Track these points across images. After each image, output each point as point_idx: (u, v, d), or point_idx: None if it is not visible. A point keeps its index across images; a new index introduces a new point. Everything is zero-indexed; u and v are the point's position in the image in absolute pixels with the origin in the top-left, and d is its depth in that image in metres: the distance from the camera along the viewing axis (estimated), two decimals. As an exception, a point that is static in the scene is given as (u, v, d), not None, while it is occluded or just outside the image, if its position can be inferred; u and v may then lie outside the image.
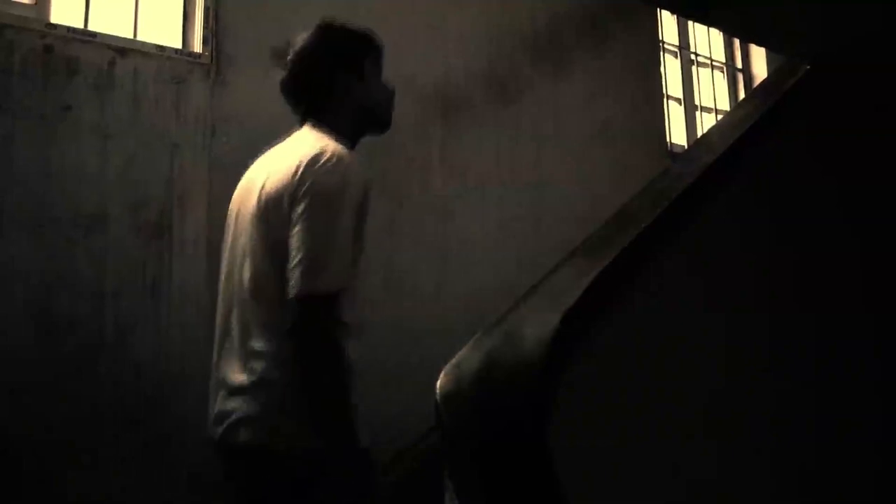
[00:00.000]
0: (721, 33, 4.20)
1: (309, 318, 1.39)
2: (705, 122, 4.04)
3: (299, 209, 1.43)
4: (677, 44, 4.04)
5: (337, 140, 1.54)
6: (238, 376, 1.49)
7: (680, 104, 3.97)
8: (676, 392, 1.07)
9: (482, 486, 0.78)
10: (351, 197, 1.46)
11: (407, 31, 2.69)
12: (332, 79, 1.65)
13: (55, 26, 1.99)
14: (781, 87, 1.37)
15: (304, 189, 1.44)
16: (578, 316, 0.86)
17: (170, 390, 2.03)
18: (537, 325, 0.83)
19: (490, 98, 2.93)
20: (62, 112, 1.96)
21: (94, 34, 2.05)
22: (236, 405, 1.48)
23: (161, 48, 2.16)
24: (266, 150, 2.30)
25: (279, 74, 2.27)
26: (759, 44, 3.42)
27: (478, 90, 2.89)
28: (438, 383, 0.80)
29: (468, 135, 2.83)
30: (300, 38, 1.71)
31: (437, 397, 0.79)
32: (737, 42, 4.37)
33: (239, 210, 1.62)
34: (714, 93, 4.20)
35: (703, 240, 1.17)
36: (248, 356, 1.48)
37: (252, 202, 1.55)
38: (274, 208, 1.48)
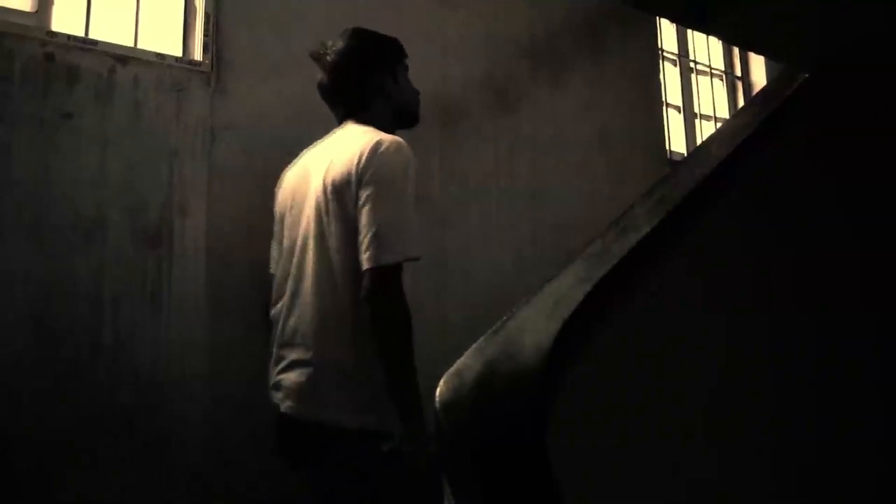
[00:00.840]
0: (720, 41, 4.21)
1: (384, 286, 1.55)
2: (705, 130, 4.05)
3: (368, 191, 1.60)
4: (676, 52, 4.05)
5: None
6: (311, 349, 1.62)
7: (679, 112, 3.98)
8: (677, 395, 1.07)
9: (481, 494, 0.78)
10: (411, 178, 1.65)
11: (405, 39, 2.69)
12: (371, 80, 1.86)
13: (56, 34, 2.00)
14: (781, 95, 1.37)
15: (370, 173, 1.62)
16: (578, 324, 0.86)
17: (168, 394, 2.04)
18: (537, 333, 0.83)
19: (488, 105, 2.93)
20: (62, 119, 1.97)
21: (94, 42, 2.06)
22: (314, 377, 1.61)
23: (161, 56, 2.17)
24: (266, 156, 2.31)
25: (278, 83, 2.30)
26: (758, 52, 3.43)
27: (476, 98, 2.90)
28: (438, 391, 0.80)
29: (467, 142, 2.83)
30: (334, 43, 1.88)
31: (437, 405, 0.79)
32: (736, 50, 4.39)
33: (293, 198, 1.81)
34: (713, 101, 4.21)
35: (703, 247, 1.17)
36: (318, 331, 1.62)
37: (312, 190, 1.73)
38: (340, 192, 1.64)
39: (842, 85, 1.42)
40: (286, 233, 1.81)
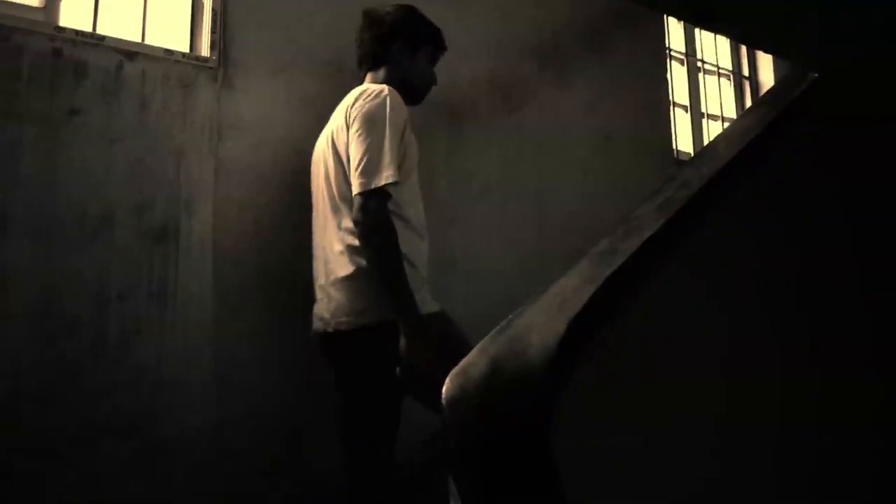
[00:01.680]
0: (728, 40, 4.20)
1: (368, 209, 1.80)
2: (712, 130, 4.04)
3: (353, 129, 1.88)
4: (684, 51, 4.04)
5: None
6: (329, 273, 1.93)
7: (686, 112, 3.97)
8: (682, 394, 1.06)
9: (486, 492, 0.78)
10: (391, 117, 1.87)
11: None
12: (392, 46, 2.10)
13: (63, 30, 2.00)
14: (789, 95, 1.36)
15: (354, 116, 1.89)
16: (584, 323, 0.86)
17: (173, 393, 2.04)
18: (542, 332, 0.83)
19: (494, 105, 2.93)
20: (70, 115, 1.97)
21: (102, 38, 2.06)
22: (331, 296, 1.92)
23: (169, 52, 2.17)
24: (273, 153, 2.32)
25: (285, 79, 2.30)
26: (766, 51, 3.42)
27: (482, 98, 2.89)
28: (444, 389, 0.80)
29: (473, 142, 2.83)
30: (387, 7, 2.16)
31: (443, 402, 0.79)
32: (744, 49, 4.37)
33: (316, 155, 2.11)
34: (721, 100, 4.20)
35: (709, 247, 1.17)
36: (335, 259, 1.92)
37: (326, 141, 2.03)
38: (339, 137, 1.94)
39: (851, 85, 1.42)
40: (314, 192, 2.09)
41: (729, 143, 1.26)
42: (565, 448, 0.79)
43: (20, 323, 1.85)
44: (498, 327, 0.91)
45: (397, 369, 1.79)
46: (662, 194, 1.15)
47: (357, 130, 1.87)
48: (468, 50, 2.85)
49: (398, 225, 1.85)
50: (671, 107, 3.81)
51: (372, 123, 1.86)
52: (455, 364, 0.84)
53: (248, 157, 2.26)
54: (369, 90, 1.93)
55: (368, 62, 2.13)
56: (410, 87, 2.11)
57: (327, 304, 1.93)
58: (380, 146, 1.84)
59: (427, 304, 1.90)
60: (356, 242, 1.86)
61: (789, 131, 1.30)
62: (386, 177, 1.81)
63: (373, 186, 1.80)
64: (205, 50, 2.24)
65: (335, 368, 2.00)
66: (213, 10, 2.26)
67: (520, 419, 0.78)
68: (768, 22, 1.27)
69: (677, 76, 3.97)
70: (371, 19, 2.14)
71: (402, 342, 1.77)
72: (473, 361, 0.82)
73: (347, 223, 1.89)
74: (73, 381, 1.90)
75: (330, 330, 1.91)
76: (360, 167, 1.82)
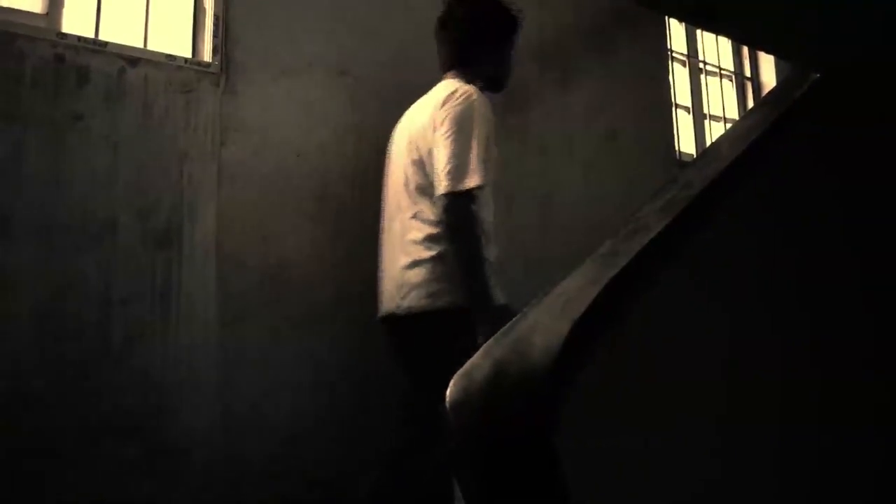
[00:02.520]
0: (729, 41, 4.20)
1: (455, 210, 1.91)
2: (714, 131, 4.04)
3: (441, 131, 1.96)
4: (685, 52, 4.04)
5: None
6: (404, 259, 2.02)
7: (688, 113, 3.97)
8: (685, 396, 1.06)
9: (490, 494, 0.78)
10: (478, 121, 1.97)
11: (413, 39, 2.70)
12: (481, 42, 2.17)
13: (66, 36, 2.01)
14: (791, 96, 1.36)
15: (444, 117, 1.97)
16: (587, 325, 0.86)
17: (176, 397, 2.04)
18: (546, 334, 0.83)
19: (497, 107, 2.92)
20: (73, 121, 1.98)
21: (104, 44, 2.07)
22: (405, 280, 2.00)
23: (171, 57, 2.17)
24: (276, 157, 2.33)
25: (287, 84, 2.31)
26: (766, 51, 3.41)
27: (486, 99, 2.89)
28: (448, 391, 0.80)
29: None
30: (464, 4, 2.21)
31: (447, 405, 0.79)
32: (745, 50, 4.37)
33: (395, 147, 2.19)
34: (723, 101, 4.20)
35: (712, 248, 1.17)
36: (411, 246, 2.01)
37: (405, 138, 2.11)
38: (422, 137, 2.03)
39: (853, 86, 1.41)
40: (387, 182, 2.19)
41: (731, 145, 1.26)
42: (569, 450, 0.79)
43: (24, 325, 1.86)
44: (502, 329, 0.91)
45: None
46: (665, 195, 1.15)
47: (446, 133, 1.95)
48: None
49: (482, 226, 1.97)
50: (673, 108, 3.81)
51: (460, 127, 1.95)
52: None
53: (250, 161, 2.26)
54: (458, 91, 2.01)
55: (453, 61, 2.18)
56: (495, 80, 2.23)
57: (398, 289, 2.02)
58: (467, 150, 1.93)
59: (498, 297, 1.98)
60: (434, 231, 1.97)
61: (791, 132, 1.30)
62: (474, 181, 1.92)
63: (460, 188, 1.91)
64: (207, 55, 2.24)
65: (402, 351, 2.10)
66: (214, 15, 2.26)
67: (523, 421, 0.78)
68: (769, 22, 1.27)
69: (679, 77, 3.96)
70: (454, 19, 2.19)
71: (481, 330, 1.84)
72: (477, 364, 0.82)
73: (426, 213, 2.00)
74: (77, 383, 1.90)
75: (401, 313, 2.00)
76: (448, 169, 1.92)
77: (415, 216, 2.02)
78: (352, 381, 2.34)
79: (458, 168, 1.91)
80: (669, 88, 3.80)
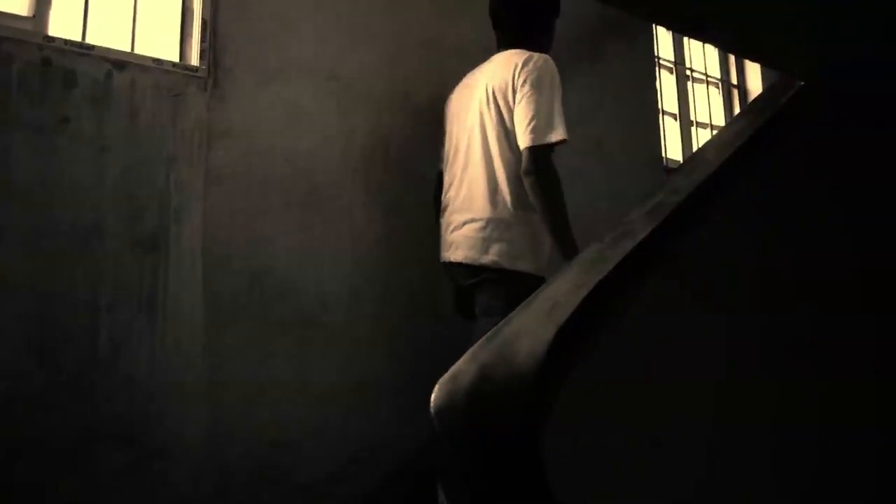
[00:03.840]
0: (716, 49, 4.23)
1: (540, 162, 2.07)
2: (701, 138, 4.06)
3: (523, 91, 2.13)
4: (673, 60, 4.06)
5: None
6: (480, 214, 2.17)
7: (676, 120, 3.99)
8: (674, 400, 1.06)
9: (476, 501, 0.78)
10: (555, 81, 2.17)
11: (403, 46, 2.70)
12: (541, 22, 2.41)
13: (53, 39, 2.00)
14: (776, 103, 1.38)
15: (525, 77, 2.14)
16: (573, 329, 0.86)
17: (165, 402, 2.03)
18: (531, 339, 0.83)
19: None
20: (59, 124, 1.97)
21: (91, 47, 2.06)
22: (475, 233, 2.16)
23: (158, 61, 2.17)
24: (263, 161, 2.33)
25: (275, 88, 2.31)
26: (754, 60, 3.44)
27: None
28: (433, 396, 0.80)
29: (465, 149, 2.83)
30: None
31: (431, 410, 0.79)
32: (732, 58, 4.40)
33: (459, 108, 2.37)
34: (710, 108, 4.23)
35: (698, 252, 1.17)
36: (489, 201, 2.16)
37: (476, 98, 2.28)
38: (501, 96, 2.19)
39: (837, 92, 1.43)
40: (454, 136, 2.35)
41: (717, 151, 1.27)
42: (556, 455, 0.79)
43: (10, 331, 1.84)
44: (488, 333, 0.91)
45: None
46: (652, 201, 1.16)
47: (529, 92, 2.12)
48: (461, 55, 2.86)
49: None
50: (660, 115, 3.83)
51: (542, 86, 2.13)
52: None
53: (238, 166, 2.26)
54: (535, 56, 2.18)
55: (514, 40, 2.34)
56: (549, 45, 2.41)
57: (472, 240, 2.17)
58: (550, 107, 2.11)
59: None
60: (505, 189, 2.15)
61: (776, 138, 1.31)
62: (558, 135, 2.10)
63: (545, 142, 2.08)
64: (194, 59, 2.24)
65: (471, 297, 2.24)
66: (202, 19, 2.26)
67: (509, 427, 0.78)
68: (756, 32, 1.28)
69: (666, 84, 3.99)
70: (511, 4, 2.39)
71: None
72: (463, 369, 0.82)
73: (504, 171, 2.16)
74: (64, 389, 1.88)
75: (476, 264, 2.16)
76: (532, 125, 2.08)
77: (492, 173, 2.18)
78: (340, 385, 2.34)
79: (541, 123, 2.08)
80: (657, 95, 3.82)
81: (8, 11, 2.00)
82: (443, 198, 2.37)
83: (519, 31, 2.37)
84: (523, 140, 2.09)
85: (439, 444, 0.79)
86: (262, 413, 2.19)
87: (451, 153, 2.35)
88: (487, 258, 2.13)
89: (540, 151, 2.07)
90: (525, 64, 2.16)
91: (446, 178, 2.37)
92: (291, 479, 2.20)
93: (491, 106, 2.21)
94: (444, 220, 2.32)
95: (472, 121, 2.27)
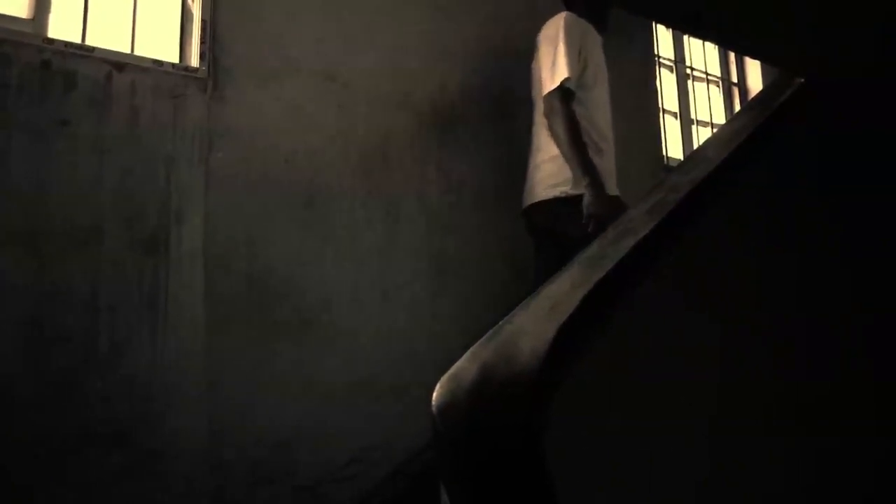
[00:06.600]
0: (716, 47, 4.22)
1: (551, 105, 2.42)
2: (701, 136, 4.06)
3: (540, 50, 2.55)
4: (673, 58, 4.06)
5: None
6: (535, 160, 2.56)
7: (676, 118, 3.99)
8: (674, 397, 1.06)
9: (477, 500, 0.77)
10: (565, 33, 2.46)
11: (401, 45, 2.70)
12: None
13: (53, 41, 2.00)
14: (776, 100, 1.38)
15: (539, 38, 2.57)
16: (574, 327, 0.86)
17: (165, 404, 2.03)
18: (533, 337, 0.83)
19: (485, 113, 2.94)
20: (59, 126, 1.97)
21: (91, 49, 2.06)
22: (533, 178, 2.54)
23: (158, 63, 2.17)
24: (263, 162, 2.32)
25: (275, 89, 2.30)
26: (752, 57, 3.44)
27: (473, 105, 2.90)
28: (434, 395, 0.80)
29: (463, 149, 2.84)
30: None
31: (433, 409, 0.79)
32: (732, 56, 4.40)
33: (532, 71, 2.67)
34: (710, 107, 4.22)
35: (698, 250, 1.17)
36: (540, 147, 2.53)
37: (536, 61, 2.62)
38: (536, 52, 2.59)
39: (836, 90, 1.43)
40: (534, 92, 2.64)
41: (717, 148, 1.27)
42: (557, 454, 0.79)
43: (10, 333, 1.84)
44: (489, 332, 0.91)
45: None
46: (652, 199, 1.16)
47: (540, 49, 2.52)
48: (460, 56, 2.86)
49: (587, 126, 2.44)
50: (661, 113, 3.83)
51: (551, 41, 2.47)
52: None
53: (238, 167, 2.26)
54: (556, 16, 2.55)
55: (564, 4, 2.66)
56: (596, 16, 2.66)
57: (532, 183, 2.53)
58: (557, 55, 2.41)
59: (611, 189, 2.46)
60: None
61: (775, 135, 1.31)
62: (561, 75, 2.38)
63: (553, 87, 2.40)
64: (194, 60, 2.24)
65: (537, 235, 2.59)
66: (202, 20, 2.26)
67: (510, 426, 0.78)
68: (753, 28, 1.28)
69: (666, 83, 3.99)
70: None
71: (588, 196, 2.32)
72: (464, 367, 0.82)
73: (545, 120, 2.48)
74: (64, 391, 1.89)
75: (535, 201, 2.49)
76: (544, 74, 2.45)
77: (541, 124, 2.51)
78: (340, 385, 2.33)
79: (550, 72, 2.41)
80: (657, 94, 3.82)
81: (7, 14, 2.00)
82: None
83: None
84: (543, 91, 2.45)
85: (440, 443, 0.79)
86: (262, 413, 2.19)
87: (535, 103, 2.66)
88: (553, 193, 2.44)
89: (551, 96, 2.40)
90: (546, 25, 2.55)
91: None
92: (291, 480, 2.20)
93: (534, 65, 2.61)
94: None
95: (536, 92, 2.63)
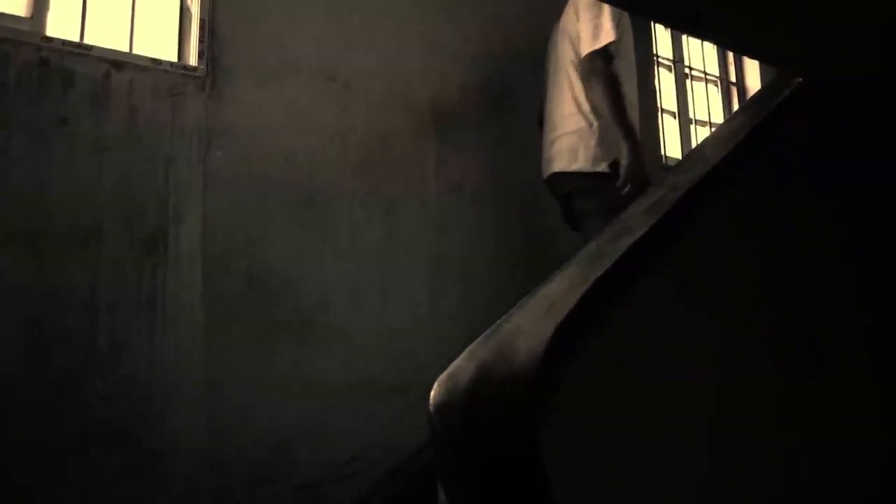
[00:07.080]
0: (715, 47, 4.22)
1: (595, 64, 2.41)
2: (700, 135, 4.06)
3: (582, 14, 2.48)
4: (671, 58, 4.06)
5: None
6: (563, 130, 2.54)
7: (674, 117, 3.99)
8: (672, 397, 1.06)
9: (475, 500, 0.77)
10: (606, 6, 2.42)
11: (401, 45, 2.70)
12: None
13: (51, 39, 2.00)
14: (774, 100, 1.37)
15: (581, 5, 2.51)
16: (572, 326, 0.86)
17: (164, 403, 2.02)
18: (530, 336, 0.83)
19: (484, 112, 2.94)
20: (58, 125, 1.97)
21: (89, 47, 2.06)
22: (564, 145, 2.51)
23: (156, 61, 2.17)
24: (262, 161, 2.32)
25: (274, 88, 2.30)
26: (751, 56, 3.44)
27: (472, 104, 2.90)
28: (431, 394, 0.79)
29: (463, 148, 2.84)
30: None
31: (430, 408, 0.79)
32: (731, 55, 4.40)
33: (553, 45, 2.72)
34: (708, 106, 4.22)
35: (697, 249, 1.17)
36: (570, 118, 2.52)
37: (559, 33, 2.66)
38: (570, 26, 2.56)
39: (835, 90, 1.43)
40: (551, 68, 2.69)
41: (715, 147, 1.27)
42: (556, 454, 0.79)
43: (10, 333, 1.84)
44: (487, 331, 0.91)
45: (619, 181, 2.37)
46: (650, 198, 1.15)
47: (583, 15, 2.48)
48: (460, 56, 2.86)
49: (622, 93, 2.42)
50: (659, 113, 3.82)
51: (591, 6, 2.46)
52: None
53: (237, 166, 2.25)
54: None
55: None
56: None
57: (559, 153, 2.53)
58: (598, 18, 2.43)
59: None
60: (585, 105, 2.49)
61: (774, 134, 1.30)
62: (606, 37, 2.39)
63: (597, 46, 2.40)
64: (193, 59, 2.24)
65: (566, 204, 2.60)
66: (201, 19, 2.26)
67: (508, 425, 0.78)
68: (753, 28, 1.28)
69: (665, 82, 3.99)
70: None
71: (626, 159, 2.34)
72: (461, 366, 0.81)
73: (577, 92, 2.51)
74: (64, 390, 1.88)
75: (568, 171, 2.49)
76: (585, 36, 2.44)
77: (570, 95, 2.53)
78: (340, 385, 2.33)
79: (592, 33, 2.42)
80: (655, 93, 3.82)
81: (6, 12, 2.00)
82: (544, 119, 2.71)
83: None
84: (582, 52, 2.45)
85: (438, 442, 0.79)
86: (262, 413, 2.19)
87: (549, 84, 2.70)
88: (576, 165, 2.46)
89: (595, 56, 2.40)
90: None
91: (545, 104, 2.70)
92: (291, 479, 2.20)
93: (565, 36, 2.61)
94: (545, 139, 2.66)
95: (557, 56, 2.66)
